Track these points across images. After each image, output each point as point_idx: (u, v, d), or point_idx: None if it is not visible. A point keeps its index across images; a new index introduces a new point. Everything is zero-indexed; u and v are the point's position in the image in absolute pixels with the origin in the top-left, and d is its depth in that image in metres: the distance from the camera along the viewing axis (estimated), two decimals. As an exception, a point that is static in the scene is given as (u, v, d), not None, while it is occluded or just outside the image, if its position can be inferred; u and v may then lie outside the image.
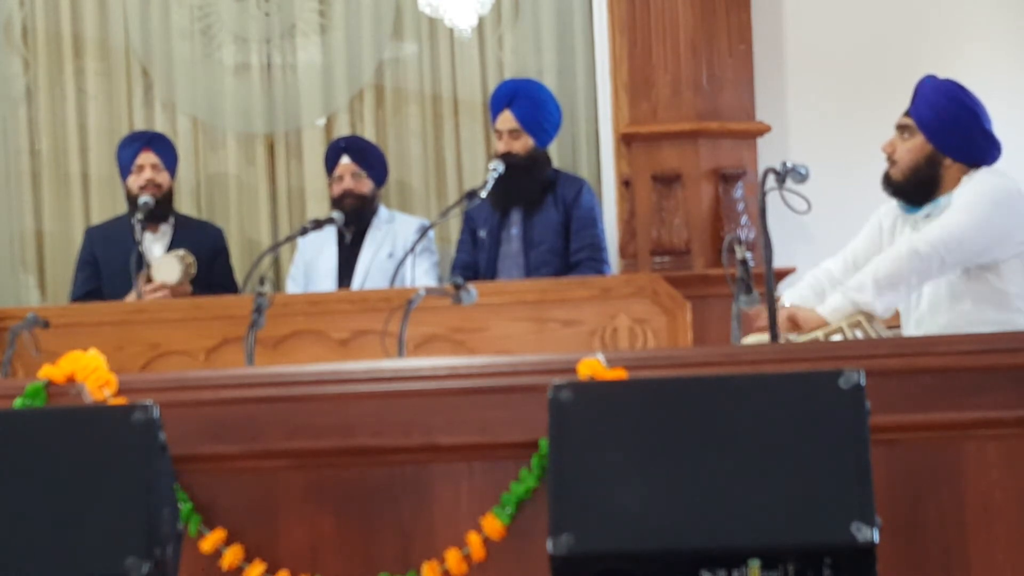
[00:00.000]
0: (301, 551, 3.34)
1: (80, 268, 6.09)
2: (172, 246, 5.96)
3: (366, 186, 6.03)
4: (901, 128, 4.38)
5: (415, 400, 3.33)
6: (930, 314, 4.30)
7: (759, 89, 6.22)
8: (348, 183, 6.00)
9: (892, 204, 4.45)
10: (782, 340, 3.93)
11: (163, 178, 6.00)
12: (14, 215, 6.82)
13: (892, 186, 4.37)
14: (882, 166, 4.43)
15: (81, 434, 3.06)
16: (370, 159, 6.09)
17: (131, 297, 5.70)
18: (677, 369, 3.26)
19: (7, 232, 6.79)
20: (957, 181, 4.31)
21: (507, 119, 5.84)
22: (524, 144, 5.82)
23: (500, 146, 5.85)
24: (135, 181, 5.98)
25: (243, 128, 6.79)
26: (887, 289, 4.11)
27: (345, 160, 6.03)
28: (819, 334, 4.05)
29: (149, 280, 5.73)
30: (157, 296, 5.67)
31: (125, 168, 6.03)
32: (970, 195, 4.24)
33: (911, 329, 4.35)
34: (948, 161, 4.32)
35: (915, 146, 4.33)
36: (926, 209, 4.32)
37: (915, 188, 4.33)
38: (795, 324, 4.14)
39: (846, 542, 2.83)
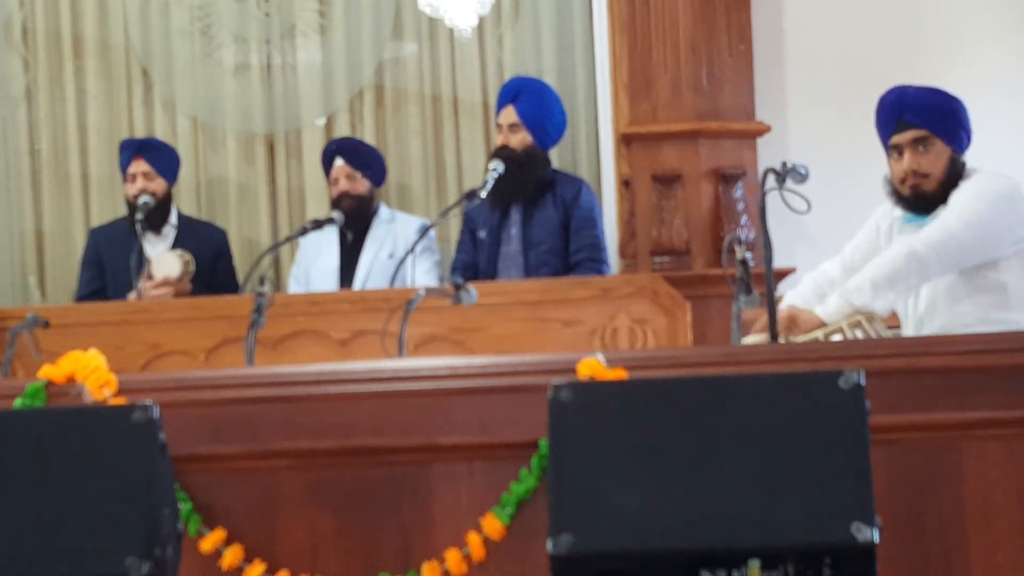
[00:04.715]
0: (301, 551, 3.34)
1: (85, 267, 6.10)
2: (175, 247, 5.97)
3: (362, 186, 6.03)
4: (915, 142, 4.27)
5: (415, 400, 3.33)
6: (928, 316, 4.28)
7: (759, 89, 6.21)
8: (343, 185, 6.00)
9: (889, 205, 4.43)
10: (782, 340, 3.93)
11: (156, 185, 6.01)
12: (14, 215, 6.81)
13: (925, 201, 4.26)
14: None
15: (81, 434, 3.06)
16: (364, 159, 6.08)
17: (132, 297, 5.71)
18: (677, 369, 3.26)
19: (7, 232, 6.79)
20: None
21: (509, 113, 5.85)
22: (522, 140, 5.81)
23: (499, 139, 5.86)
24: (130, 189, 6.02)
25: (243, 128, 6.78)
26: (885, 290, 4.08)
27: (339, 162, 6.03)
28: (819, 334, 4.05)
29: (150, 278, 5.74)
30: (159, 293, 5.67)
31: (123, 172, 6.07)
32: (967, 195, 4.21)
33: (910, 331, 4.34)
34: (961, 159, 4.30)
35: (939, 155, 4.27)
36: (931, 217, 4.27)
37: (943, 196, 4.24)
38: (794, 324, 4.14)
39: (846, 542, 2.83)
